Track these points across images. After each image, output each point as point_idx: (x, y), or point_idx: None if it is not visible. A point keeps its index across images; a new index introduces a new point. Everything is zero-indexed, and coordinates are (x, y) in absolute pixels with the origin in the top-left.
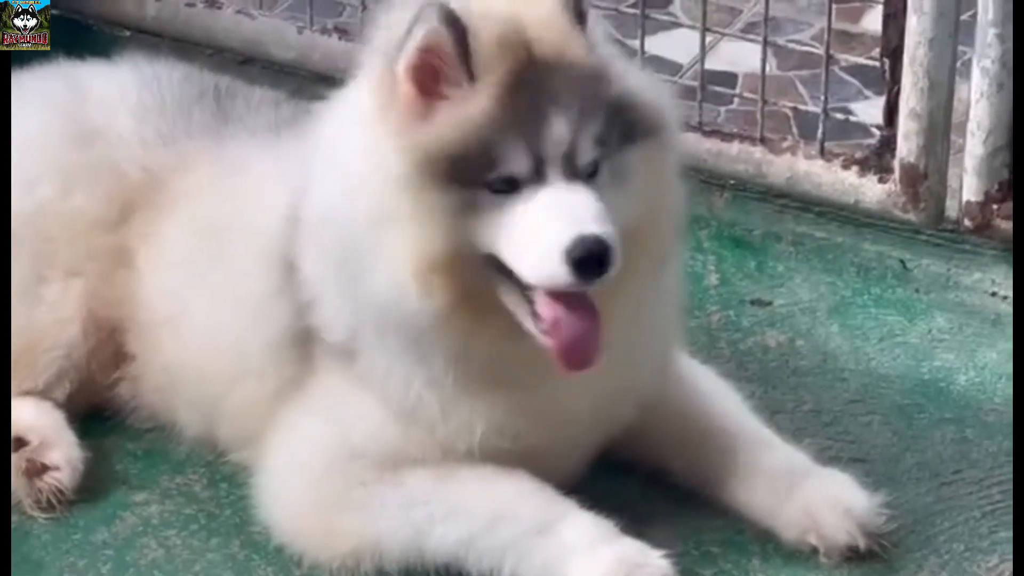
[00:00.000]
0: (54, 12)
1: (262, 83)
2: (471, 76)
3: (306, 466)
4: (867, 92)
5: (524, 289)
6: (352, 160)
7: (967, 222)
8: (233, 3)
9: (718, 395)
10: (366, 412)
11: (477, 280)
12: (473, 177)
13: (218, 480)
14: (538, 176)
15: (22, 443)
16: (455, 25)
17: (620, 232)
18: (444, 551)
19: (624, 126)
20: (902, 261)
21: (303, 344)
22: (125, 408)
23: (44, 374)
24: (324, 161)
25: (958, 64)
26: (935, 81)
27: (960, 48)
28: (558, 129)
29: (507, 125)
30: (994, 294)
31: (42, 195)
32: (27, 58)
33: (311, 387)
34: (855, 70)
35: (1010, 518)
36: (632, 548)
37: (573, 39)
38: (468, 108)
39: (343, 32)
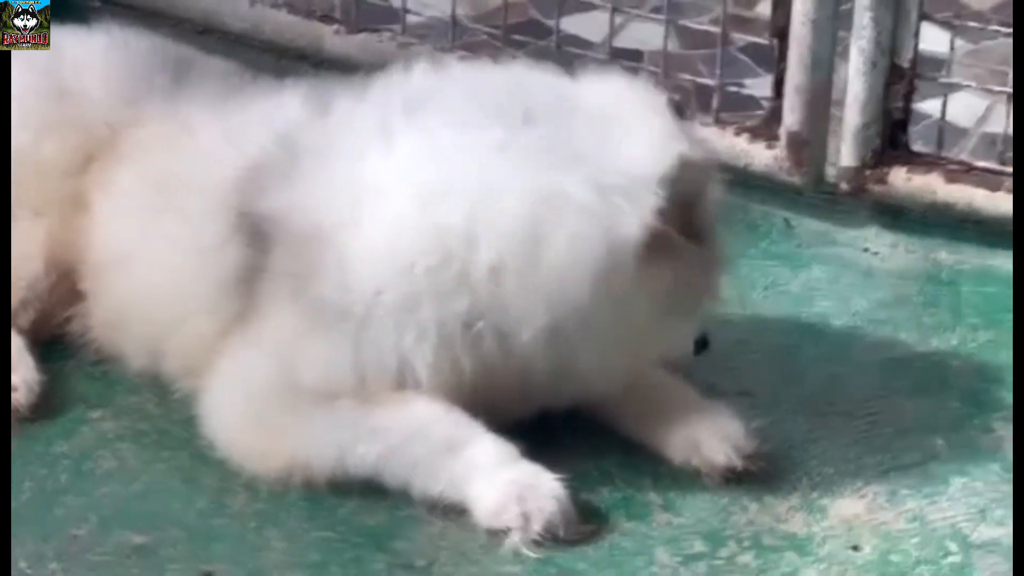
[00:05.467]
0: None
1: (218, 53)
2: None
3: (248, 390)
4: (758, 70)
5: None
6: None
7: (844, 185)
8: None
9: None
10: (320, 355)
11: None
12: None
13: (168, 400)
14: None
15: None
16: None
17: None
18: (365, 468)
19: None
20: (786, 219)
21: (248, 284)
22: (78, 342)
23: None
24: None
25: (838, 48)
26: (817, 59)
27: (841, 34)
28: None
29: None
30: (866, 250)
31: (17, 143)
32: None
33: (256, 323)
34: (748, 50)
35: (875, 445)
36: (528, 471)
37: None
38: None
39: (290, 6)
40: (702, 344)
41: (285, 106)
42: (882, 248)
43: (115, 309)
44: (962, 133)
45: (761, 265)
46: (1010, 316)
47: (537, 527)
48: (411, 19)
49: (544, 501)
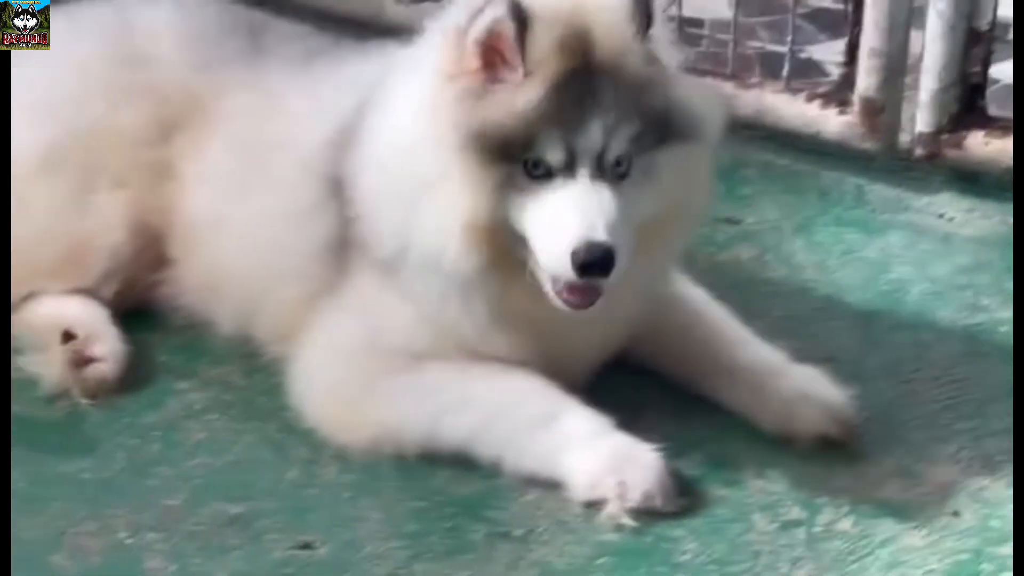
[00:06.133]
0: None
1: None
2: (526, 68)
3: (336, 358)
4: (822, 36)
5: None
6: (413, 116)
7: (919, 151)
8: None
9: (704, 305)
10: (397, 315)
11: (511, 247)
12: (514, 158)
13: (253, 371)
14: (569, 169)
15: (70, 336)
16: (520, 19)
17: (641, 223)
18: (456, 439)
19: (662, 130)
20: (858, 186)
21: (340, 251)
22: (166, 308)
23: (93, 274)
24: (392, 106)
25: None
26: (895, 23)
27: None
28: (594, 130)
29: (549, 119)
30: (941, 216)
31: (92, 113)
32: None
33: (345, 288)
34: (811, 16)
35: (965, 411)
36: (624, 442)
37: (630, 48)
38: (519, 96)
39: None
40: (586, 261)
41: (373, 68)
42: (958, 214)
43: (207, 273)
44: None
45: (836, 231)
46: None
47: (635, 497)
48: None
49: (641, 472)
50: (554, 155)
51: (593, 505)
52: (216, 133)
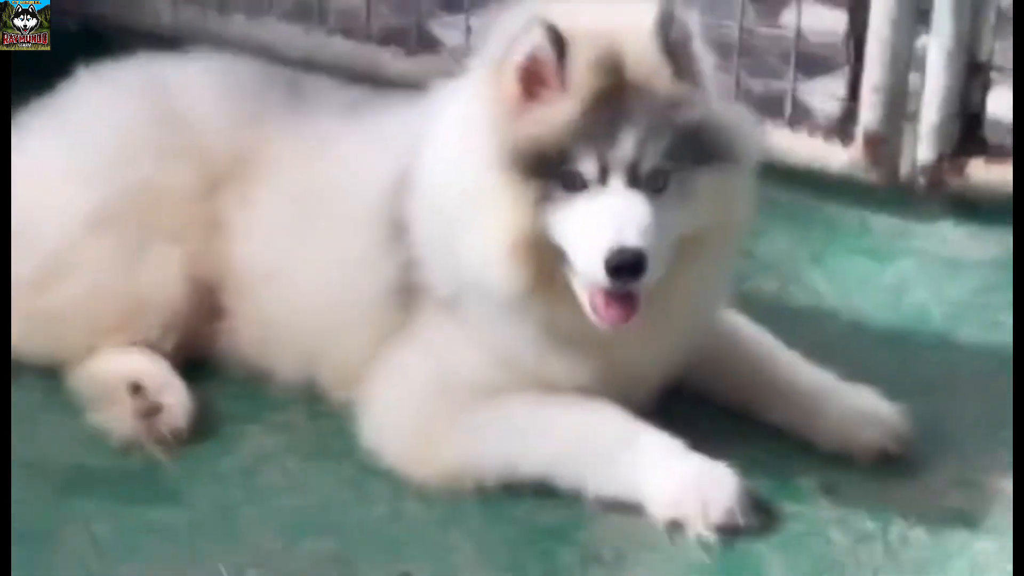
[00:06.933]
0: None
1: None
2: (564, 87)
3: (411, 395)
4: (808, 76)
5: None
6: (457, 142)
7: (921, 180)
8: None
9: (752, 332)
10: (467, 351)
11: (553, 263)
12: (550, 173)
13: (316, 416)
14: (603, 180)
15: (139, 388)
16: (557, 43)
17: (679, 239)
18: (536, 469)
19: (698, 148)
20: (863, 216)
21: (404, 294)
22: (223, 358)
23: (152, 328)
24: (438, 138)
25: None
26: (896, 58)
27: None
28: (624, 142)
29: (583, 133)
30: (946, 242)
31: (138, 172)
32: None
33: (413, 329)
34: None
35: (1006, 421)
36: (701, 462)
37: (661, 67)
38: (555, 113)
39: (348, 32)
40: (617, 264)
41: (423, 111)
42: (961, 240)
43: (265, 324)
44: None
45: (848, 260)
46: None
47: (717, 515)
48: None
49: (720, 489)
50: (588, 166)
51: (675, 525)
52: (264, 184)
